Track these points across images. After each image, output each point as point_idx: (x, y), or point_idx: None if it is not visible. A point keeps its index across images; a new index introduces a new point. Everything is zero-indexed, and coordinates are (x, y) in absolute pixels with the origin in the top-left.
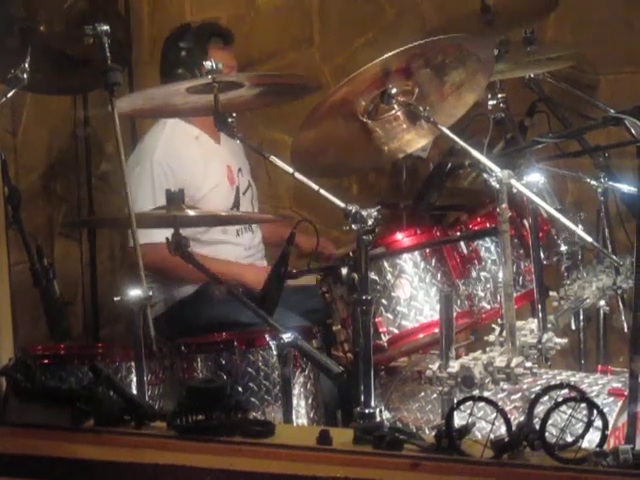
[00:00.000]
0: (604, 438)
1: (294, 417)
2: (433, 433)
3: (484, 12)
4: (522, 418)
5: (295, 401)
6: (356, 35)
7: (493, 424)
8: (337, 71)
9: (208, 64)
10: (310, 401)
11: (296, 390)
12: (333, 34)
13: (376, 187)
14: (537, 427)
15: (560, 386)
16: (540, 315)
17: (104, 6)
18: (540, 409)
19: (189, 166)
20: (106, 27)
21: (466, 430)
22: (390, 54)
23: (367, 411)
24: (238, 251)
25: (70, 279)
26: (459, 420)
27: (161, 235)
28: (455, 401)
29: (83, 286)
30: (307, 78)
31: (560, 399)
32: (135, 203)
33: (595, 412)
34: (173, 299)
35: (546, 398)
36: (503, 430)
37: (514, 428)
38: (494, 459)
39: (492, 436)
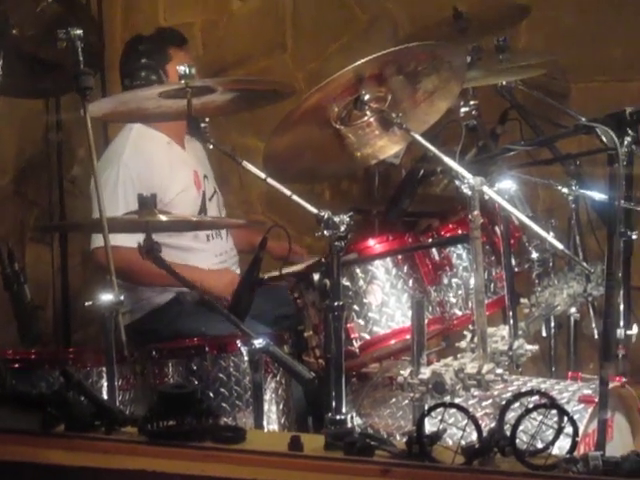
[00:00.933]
0: (574, 445)
1: (265, 423)
2: (404, 439)
3: (456, 19)
4: (493, 424)
5: (266, 407)
6: (329, 41)
7: (464, 430)
8: (310, 77)
9: (181, 69)
10: (281, 407)
11: (267, 396)
12: (306, 40)
13: (348, 193)
14: (508, 434)
15: (531, 393)
16: (511, 322)
17: (77, 10)
18: (511, 415)
19: (157, 170)
20: (79, 31)
21: (437, 436)
22: (363, 61)
23: (338, 417)
24: (208, 257)
25: (41, 283)
26: (430, 426)
27: (125, 238)
28: (426, 407)
29: (54, 290)
30: (280, 84)
31: (531, 406)
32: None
33: (565, 419)
34: (143, 309)
35: (517, 405)
36: (474, 436)
37: (485, 434)
38: (465, 465)
39: (463, 442)
